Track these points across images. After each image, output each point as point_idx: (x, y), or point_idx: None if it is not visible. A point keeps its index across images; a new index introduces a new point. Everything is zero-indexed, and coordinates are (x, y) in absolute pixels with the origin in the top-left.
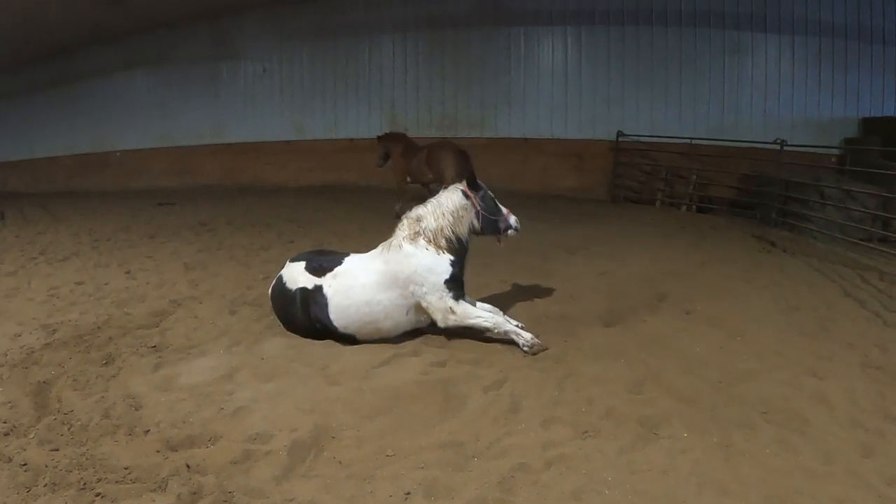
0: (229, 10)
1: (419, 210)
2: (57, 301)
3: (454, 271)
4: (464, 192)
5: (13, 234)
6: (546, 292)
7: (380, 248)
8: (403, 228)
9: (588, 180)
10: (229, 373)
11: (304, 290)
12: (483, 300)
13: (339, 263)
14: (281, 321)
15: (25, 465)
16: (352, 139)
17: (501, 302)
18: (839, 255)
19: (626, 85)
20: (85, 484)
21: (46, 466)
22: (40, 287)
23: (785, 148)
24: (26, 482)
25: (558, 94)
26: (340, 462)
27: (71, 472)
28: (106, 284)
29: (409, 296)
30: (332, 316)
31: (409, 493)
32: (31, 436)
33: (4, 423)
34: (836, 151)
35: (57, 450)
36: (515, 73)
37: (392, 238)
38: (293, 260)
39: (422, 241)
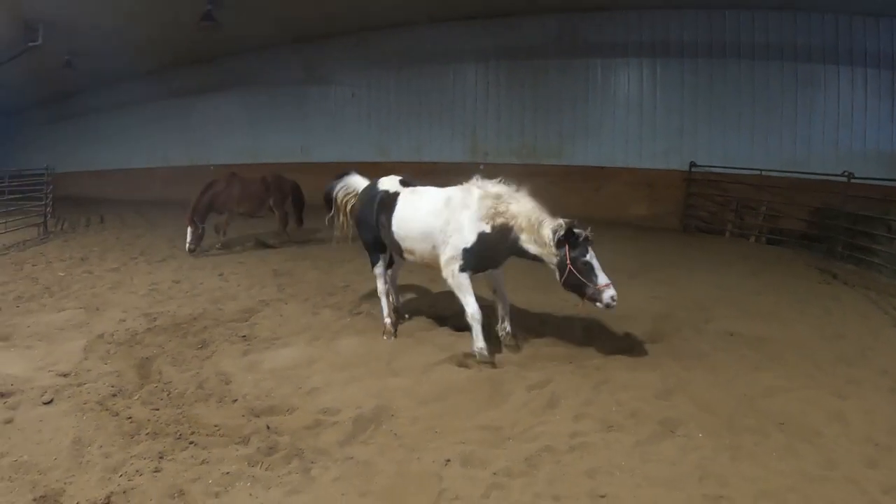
0: (319, 36)
1: (518, 195)
2: (157, 295)
3: (477, 247)
4: (564, 232)
5: (114, 236)
6: (598, 311)
7: (459, 187)
8: (487, 186)
9: (659, 209)
10: (308, 361)
11: (386, 192)
12: (543, 315)
13: (423, 187)
14: (357, 219)
15: (130, 418)
16: (435, 163)
17: (555, 318)
18: None
19: (699, 116)
20: (181, 435)
21: (148, 420)
22: (141, 283)
23: (852, 180)
24: (131, 431)
25: (633, 125)
26: (395, 434)
27: (169, 425)
28: (201, 284)
29: (440, 234)
30: (393, 219)
31: (448, 461)
32: (136, 398)
33: (112, 386)
34: None
35: (157, 409)
36: (592, 102)
37: (472, 185)
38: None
39: (484, 206)
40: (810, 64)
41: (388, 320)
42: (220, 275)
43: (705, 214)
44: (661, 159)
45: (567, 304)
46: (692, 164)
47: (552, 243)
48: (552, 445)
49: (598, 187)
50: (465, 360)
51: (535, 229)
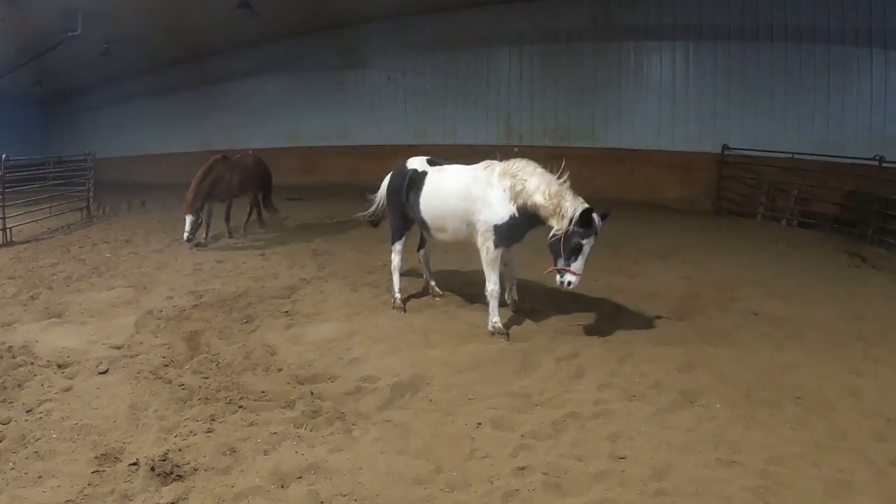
0: (355, 21)
1: (529, 170)
2: (201, 274)
3: (509, 223)
4: (578, 211)
5: (155, 219)
6: (629, 290)
7: (483, 164)
8: (509, 164)
9: (692, 192)
10: (348, 335)
11: (415, 171)
12: (575, 293)
13: (449, 166)
14: (387, 195)
15: (182, 385)
16: (470, 145)
17: (586, 296)
18: None
19: (732, 99)
20: (230, 400)
21: (199, 387)
22: (186, 263)
23: (884, 164)
24: (184, 397)
25: (666, 108)
26: (431, 400)
27: (219, 392)
28: (244, 263)
29: (470, 213)
30: (420, 198)
31: (480, 424)
32: (186, 367)
33: (163, 357)
34: None
35: (207, 378)
36: (625, 86)
37: (495, 163)
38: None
39: (507, 183)
40: (843, 46)
41: (398, 295)
42: (262, 255)
43: (737, 197)
44: (694, 142)
45: (597, 283)
46: (725, 147)
47: (572, 216)
48: (577, 412)
49: (632, 170)
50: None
51: (554, 202)
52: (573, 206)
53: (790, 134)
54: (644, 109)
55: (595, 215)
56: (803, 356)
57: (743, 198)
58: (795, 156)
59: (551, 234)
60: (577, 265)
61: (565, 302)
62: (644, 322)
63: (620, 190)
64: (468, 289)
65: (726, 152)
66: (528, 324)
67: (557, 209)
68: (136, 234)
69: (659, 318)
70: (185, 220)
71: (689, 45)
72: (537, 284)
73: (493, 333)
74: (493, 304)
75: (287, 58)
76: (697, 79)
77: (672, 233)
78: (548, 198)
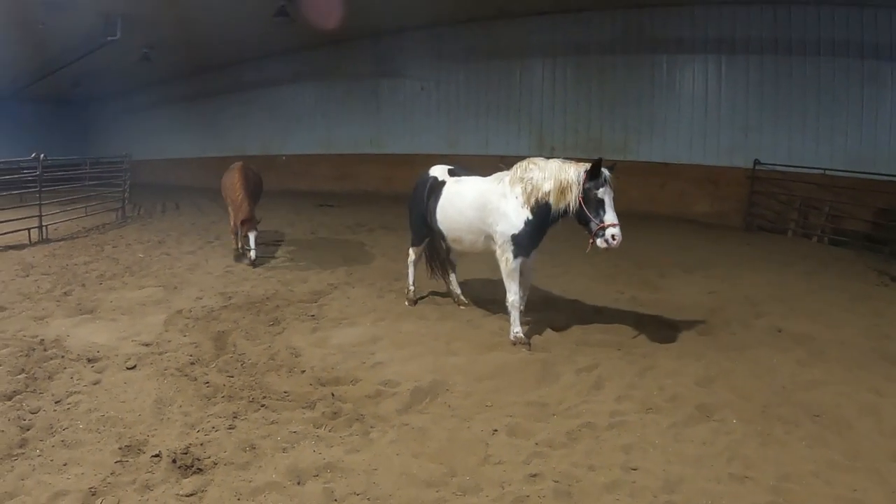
0: (390, 30)
1: (534, 162)
2: (231, 276)
3: (524, 230)
4: (582, 172)
5: (189, 221)
6: (653, 303)
7: (495, 176)
8: (515, 171)
9: (723, 207)
10: (372, 339)
11: (435, 179)
12: (599, 306)
13: (467, 177)
14: (410, 201)
15: (208, 383)
16: (502, 156)
17: (610, 308)
18: None
19: (764, 114)
20: (253, 399)
21: (224, 385)
22: (217, 265)
23: None
24: (208, 394)
25: (698, 121)
26: (449, 406)
27: (243, 390)
28: (274, 267)
29: (487, 225)
30: (437, 207)
31: (496, 430)
32: (212, 366)
33: (190, 356)
34: None
35: (232, 377)
36: (657, 99)
37: (506, 173)
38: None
39: (518, 189)
40: (877, 61)
41: (411, 288)
42: (292, 259)
43: (769, 213)
44: (725, 156)
45: (622, 296)
46: (756, 162)
47: (578, 180)
48: (593, 422)
49: (663, 184)
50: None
51: (561, 182)
52: (576, 170)
53: (822, 149)
54: (676, 123)
55: (602, 168)
56: (824, 374)
57: (774, 214)
58: (827, 172)
59: (571, 208)
60: (608, 217)
61: (588, 314)
62: (666, 336)
63: (651, 204)
64: (493, 297)
65: (758, 167)
66: (549, 334)
67: (564, 183)
68: (169, 236)
69: (681, 332)
70: (248, 237)
71: (721, 58)
72: (560, 296)
73: (514, 343)
74: (515, 314)
75: (323, 66)
76: (729, 93)
77: (700, 248)
78: (553, 178)
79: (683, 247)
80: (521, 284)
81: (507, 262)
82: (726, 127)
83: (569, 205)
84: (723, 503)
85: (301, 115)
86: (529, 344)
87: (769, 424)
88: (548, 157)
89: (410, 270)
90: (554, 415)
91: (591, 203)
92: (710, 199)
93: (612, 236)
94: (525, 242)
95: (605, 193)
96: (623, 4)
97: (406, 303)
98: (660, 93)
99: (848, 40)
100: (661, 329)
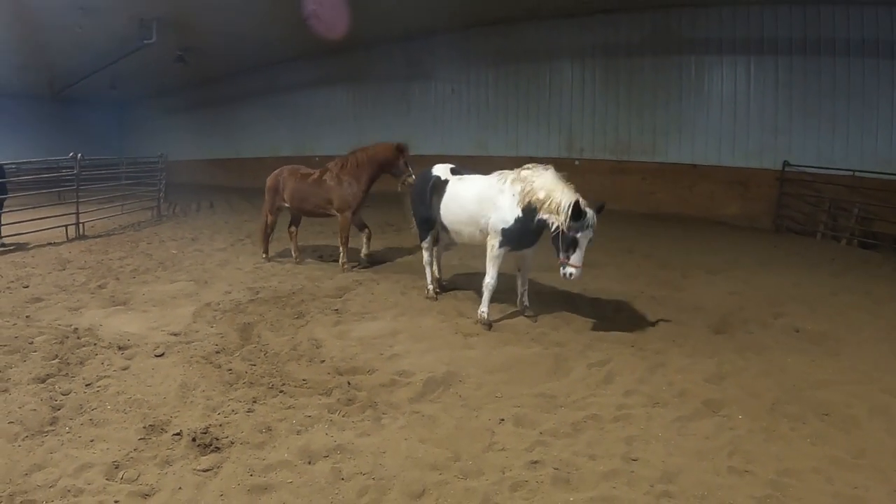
0: (421, 33)
1: (539, 172)
2: (260, 272)
3: (513, 226)
4: (573, 204)
5: (223, 219)
6: (672, 302)
7: (497, 173)
8: (519, 171)
9: (752, 209)
10: (392, 333)
11: (438, 178)
12: (617, 303)
13: (469, 174)
14: (413, 198)
15: (231, 370)
16: (532, 157)
17: (628, 306)
18: None
19: (793, 115)
20: (273, 385)
21: (246, 373)
22: (247, 261)
23: None
24: (230, 380)
25: (726, 123)
26: (460, 396)
27: (264, 378)
28: (302, 264)
29: (482, 217)
30: (441, 203)
31: (503, 420)
32: (236, 355)
33: (216, 345)
34: None
35: (254, 365)
36: (686, 100)
37: (507, 173)
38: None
39: (517, 188)
40: None
41: (430, 286)
42: (320, 256)
43: (798, 215)
44: (754, 158)
45: (642, 295)
46: (785, 164)
47: (566, 210)
48: (598, 414)
49: (691, 185)
50: (534, 341)
51: (552, 200)
52: (567, 199)
53: (852, 151)
54: (704, 124)
55: (587, 208)
56: (837, 373)
57: (803, 215)
58: (857, 173)
59: (553, 229)
60: (575, 258)
61: (606, 311)
62: (681, 334)
63: (679, 205)
64: (513, 296)
65: (787, 169)
66: (565, 329)
67: (554, 203)
68: (202, 234)
69: (697, 330)
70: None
71: (750, 59)
72: (580, 294)
73: (478, 321)
74: (487, 295)
75: (356, 68)
76: (758, 94)
77: (726, 249)
78: (545, 193)
79: (709, 249)
80: (520, 279)
81: (493, 248)
82: (755, 128)
83: (551, 225)
84: (719, 494)
85: (333, 117)
86: (490, 325)
87: (775, 421)
88: (560, 176)
89: (427, 271)
90: (561, 406)
91: (567, 238)
92: (740, 200)
93: (569, 274)
94: (512, 237)
95: (583, 237)
96: (651, 6)
97: (427, 299)
98: (688, 94)
99: (877, 40)
100: (678, 327)
